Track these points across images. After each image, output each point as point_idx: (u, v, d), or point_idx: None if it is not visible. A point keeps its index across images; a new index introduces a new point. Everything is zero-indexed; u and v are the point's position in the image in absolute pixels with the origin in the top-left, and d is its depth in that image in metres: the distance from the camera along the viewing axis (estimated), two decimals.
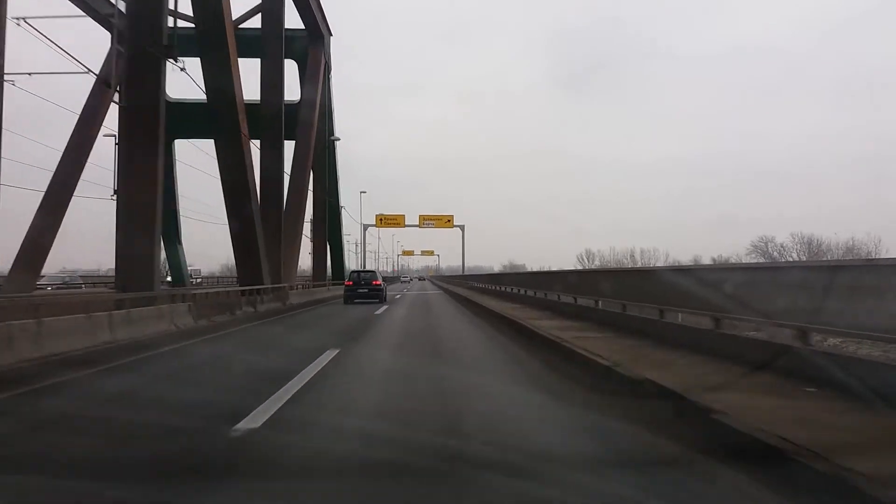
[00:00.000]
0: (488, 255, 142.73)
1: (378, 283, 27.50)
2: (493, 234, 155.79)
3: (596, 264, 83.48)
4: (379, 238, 70.81)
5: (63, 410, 4.89)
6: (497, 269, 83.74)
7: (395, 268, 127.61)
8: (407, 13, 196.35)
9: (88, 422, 4.55)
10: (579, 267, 67.25)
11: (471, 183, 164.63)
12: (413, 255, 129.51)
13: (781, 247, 72.27)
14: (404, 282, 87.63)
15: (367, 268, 41.48)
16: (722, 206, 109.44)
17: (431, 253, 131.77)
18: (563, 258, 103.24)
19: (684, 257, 70.50)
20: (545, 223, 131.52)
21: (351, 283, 27.02)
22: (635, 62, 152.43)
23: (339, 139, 32.93)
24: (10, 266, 21.96)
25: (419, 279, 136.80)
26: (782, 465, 3.55)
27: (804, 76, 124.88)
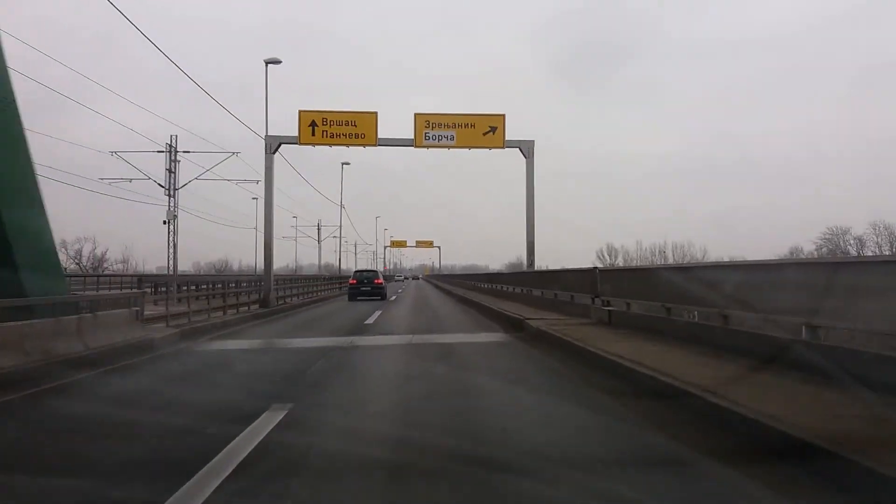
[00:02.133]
0: (488, 254, 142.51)
1: (380, 281, 29.37)
2: (493, 231, 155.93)
3: (619, 262, 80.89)
4: (344, 211, 37.83)
5: None
6: (496, 267, 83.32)
7: (386, 266, 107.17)
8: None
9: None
10: (599, 265, 58.95)
11: (473, 181, 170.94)
12: (406, 246, 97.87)
13: (859, 240, 63.73)
14: (398, 280, 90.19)
15: (369, 268, 42.90)
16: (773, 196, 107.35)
17: (430, 244, 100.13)
18: (578, 256, 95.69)
19: (726, 252, 65.65)
20: (554, 219, 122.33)
21: (355, 281, 29.18)
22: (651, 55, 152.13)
23: None
24: None
25: (413, 278, 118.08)
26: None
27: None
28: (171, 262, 29.52)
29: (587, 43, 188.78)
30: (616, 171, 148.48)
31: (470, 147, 21.89)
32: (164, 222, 27.75)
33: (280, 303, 22.92)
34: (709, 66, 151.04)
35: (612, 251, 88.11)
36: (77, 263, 64.04)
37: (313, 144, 21.74)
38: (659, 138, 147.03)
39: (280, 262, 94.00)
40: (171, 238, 28.23)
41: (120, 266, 64.82)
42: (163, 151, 28.81)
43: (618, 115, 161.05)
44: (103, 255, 65.11)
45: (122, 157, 26.90)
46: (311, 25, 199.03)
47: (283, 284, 26.38)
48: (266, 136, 21.60)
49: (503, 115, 21.90)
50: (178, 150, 29.05)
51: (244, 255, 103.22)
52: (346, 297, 30.75)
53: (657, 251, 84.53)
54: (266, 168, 21.54)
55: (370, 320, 16.54)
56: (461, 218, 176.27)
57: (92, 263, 63.64)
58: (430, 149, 21.56)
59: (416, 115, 21.71)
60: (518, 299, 20.69)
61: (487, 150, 21.88)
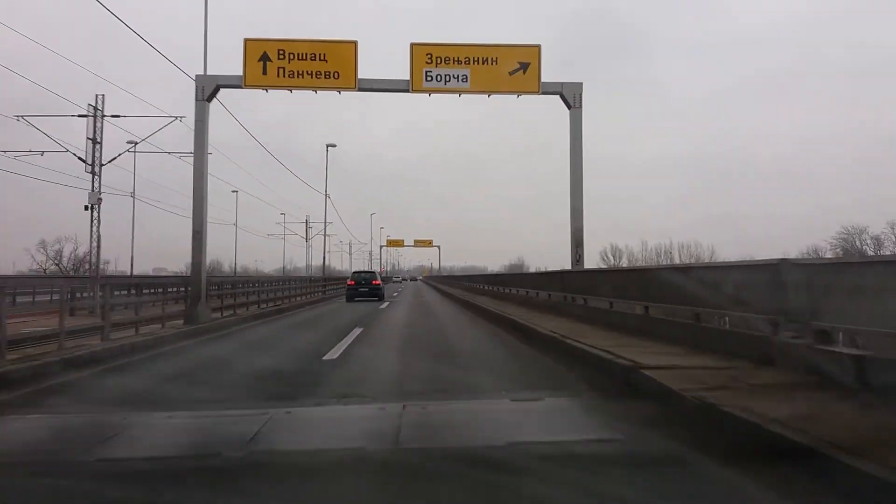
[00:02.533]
0: (485, 256, 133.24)
1: (377, 282, 29.56)
2: (492, 234, 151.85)
3: (623, 263, 76.42)
4: (331, 203, 33.86)
5: None
6: (494, 269, 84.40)
7: (383, 267, 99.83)
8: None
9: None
10: (602, 265, 63.35)
11: (470, 182, 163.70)
12: (403, 245, 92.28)
13: (876, 240, 58.07)
14: (396, 281, 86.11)
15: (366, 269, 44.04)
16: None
17: (429, 244, 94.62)
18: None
19: (736, 253, 58.24)
20: (545, 219, 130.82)
21: (353, 282, 29.53)
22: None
23: None
24: None
25: (411, 279, 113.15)
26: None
27: None
28: (93, 258, 22.48)
29: (588, 40, 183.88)
30: (614, 170, 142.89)
31: (491, 92, 14.81)
32: (86, 207, 21.13)
33: (226, 315, 16.31)
34: (715, 64, 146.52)
35: (615, 251, 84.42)
36: (57, 265, 57.84)
37: (265, 87, 15.05)
38: (658, 138, 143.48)
39: (275, 263, 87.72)
40: (93, 228, 21.52)
41: (103, 267, 57.84)
42: (85, 116, 21.57)
43: (616, 114, 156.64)
44: (85, 255, 58.76)
45: (31, 121, 20.52)
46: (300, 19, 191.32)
47: (234, 290, 19.42)
48: (198, 75, 15.08)
49: (538, 47, 14.91)
50: (105, 113, 21.70)
51: (239, 255, 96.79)
52: (329, 303, 27.26)
53: (663, 252, 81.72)
54: (197, 121, 14.89)
55: (335, 352, 9.60)
56: (459, 219, 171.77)
57: (73, 264, 57.52)
58: (433, 94, 15.02)
59: (412, 45, 14.94)
60: (562, 313, 13.76)
61: (515, 96, 14.92)
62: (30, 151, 21.20)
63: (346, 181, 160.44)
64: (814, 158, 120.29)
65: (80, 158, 21.70)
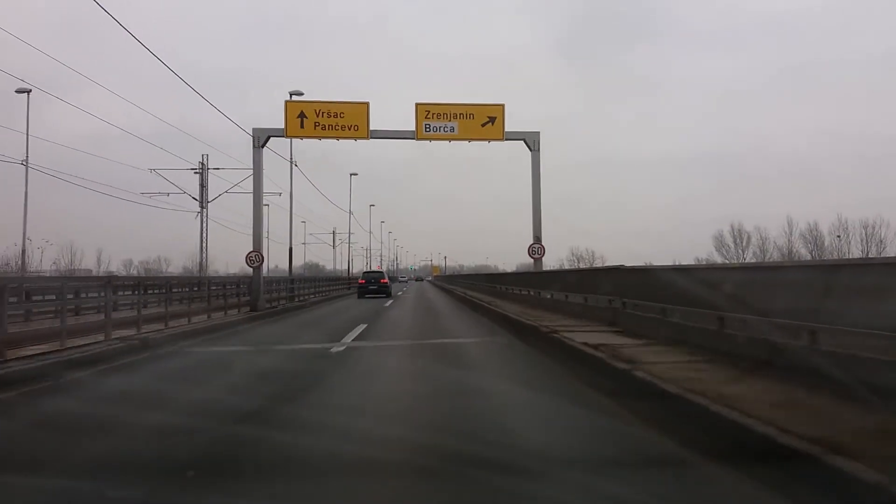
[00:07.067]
0: (499, 254, 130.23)
1: (385, 281, 34.12)
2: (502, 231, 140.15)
3: (749, 256, 61.05)
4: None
5: None
6: (505, 268, 71.93)
7: (379, 265, 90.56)
8: None
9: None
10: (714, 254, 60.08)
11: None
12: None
13: None
14: (402, 281, 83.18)
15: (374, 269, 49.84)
16: None
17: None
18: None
19: None
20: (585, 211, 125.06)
21: (364, 281, 34.13)
22: None
23: None
24: None
25: (416, 279, 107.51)
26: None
27: None
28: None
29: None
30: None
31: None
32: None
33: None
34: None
35: (739, 235, 63.17)
36: None
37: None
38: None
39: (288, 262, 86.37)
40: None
41: None
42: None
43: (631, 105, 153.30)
44: None
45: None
46: (304, 17, 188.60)
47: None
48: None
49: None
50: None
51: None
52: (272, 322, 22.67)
53: (813, 238, 58.78)
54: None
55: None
56: (464, 217, 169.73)
57: None
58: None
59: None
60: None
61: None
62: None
63: (344, 180, 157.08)
64: None
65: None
